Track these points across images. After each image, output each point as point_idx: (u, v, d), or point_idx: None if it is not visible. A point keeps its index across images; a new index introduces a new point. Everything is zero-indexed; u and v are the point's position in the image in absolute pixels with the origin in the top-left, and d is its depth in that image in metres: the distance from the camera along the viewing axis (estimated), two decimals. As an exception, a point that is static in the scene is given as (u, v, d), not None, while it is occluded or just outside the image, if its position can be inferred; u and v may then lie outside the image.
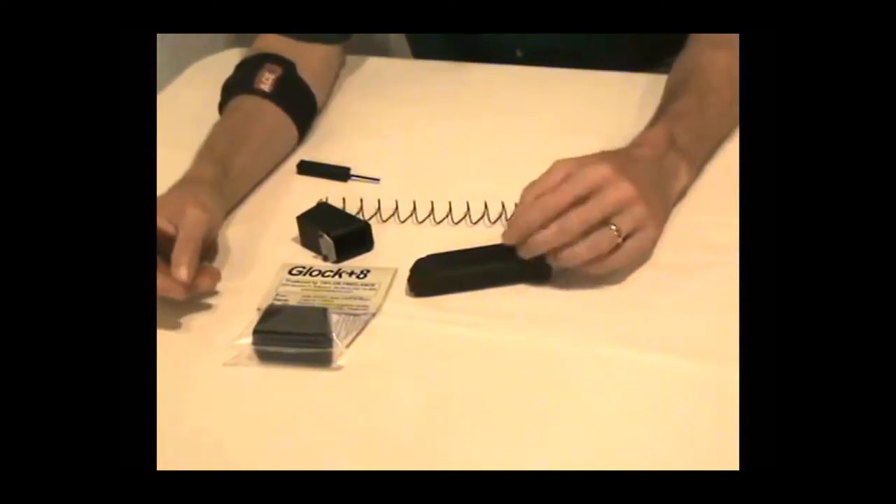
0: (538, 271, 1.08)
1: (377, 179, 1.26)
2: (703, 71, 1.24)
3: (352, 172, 1.27)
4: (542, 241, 1.06)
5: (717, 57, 1.24)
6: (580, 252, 1.06)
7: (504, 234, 1.09)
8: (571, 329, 1.05)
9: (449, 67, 1.45)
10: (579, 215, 1.05)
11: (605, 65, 1.38)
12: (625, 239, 1.06)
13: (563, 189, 1.06)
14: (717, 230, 1.11)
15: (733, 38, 1.20)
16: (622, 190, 1.06)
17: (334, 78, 1.42)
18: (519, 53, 1.47)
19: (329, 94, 1.40)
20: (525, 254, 1.07)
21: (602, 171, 1.06)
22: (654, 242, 1.09)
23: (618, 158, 1.09)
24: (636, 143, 1.15)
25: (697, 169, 1.18)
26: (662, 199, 1.12)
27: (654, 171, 1.12)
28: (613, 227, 1.05)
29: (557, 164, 1.08)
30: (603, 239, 1.05)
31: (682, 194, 1.16)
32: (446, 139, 1.33)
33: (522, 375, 1.01)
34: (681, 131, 1.16)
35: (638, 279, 1.09)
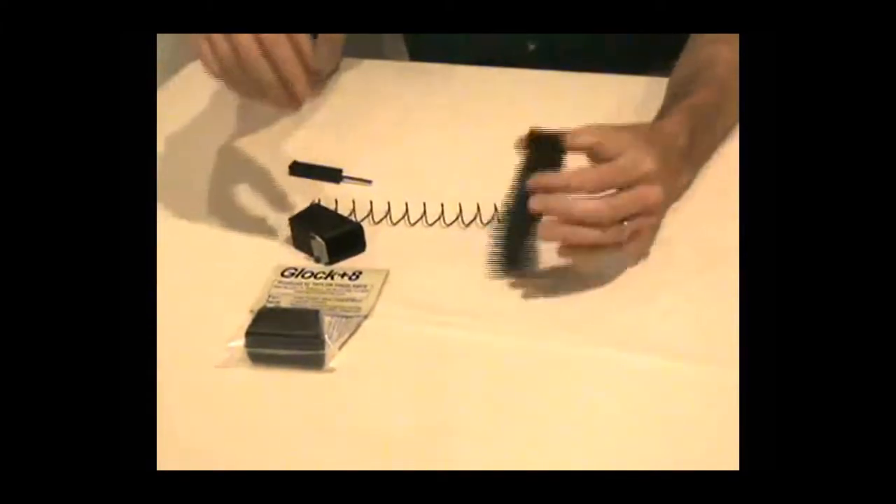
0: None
1: (370, 181, 1.26)
2: (712, 64, 1.23)
3: (344, 174, 1.27)
4: (580, 210, 1.03)
5: (719, 51, 1.23)
6: (591, 236, 1.04)
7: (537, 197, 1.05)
8: (567, 330, 1.04)
9: (442, 70, 1.45)
10: (614, 208, 1.04)
11: (612, 64, 1.37)
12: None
13: (605, 172, 1.05)
14: (716, 230, 1.11)
15: (731, 35, 1.20)
16: (653, 196, 1.05)
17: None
18: (531, 47, 1.46)
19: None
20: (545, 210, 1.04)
21: (647, 166, 1.05)
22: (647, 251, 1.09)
23: (660, 151, 1.07)
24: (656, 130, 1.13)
25: (697, 167, 1.18)
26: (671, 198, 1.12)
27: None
28: (626, 225, 1.04)
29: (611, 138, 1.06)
30: (614, 234, 1.04)
31: (681, 194, 1.16)
32: (439, 141, 1.32)
33: (516, 377, 1.01)
34: (689, 129, 1.14)
35: (636, 279, 1.08)
